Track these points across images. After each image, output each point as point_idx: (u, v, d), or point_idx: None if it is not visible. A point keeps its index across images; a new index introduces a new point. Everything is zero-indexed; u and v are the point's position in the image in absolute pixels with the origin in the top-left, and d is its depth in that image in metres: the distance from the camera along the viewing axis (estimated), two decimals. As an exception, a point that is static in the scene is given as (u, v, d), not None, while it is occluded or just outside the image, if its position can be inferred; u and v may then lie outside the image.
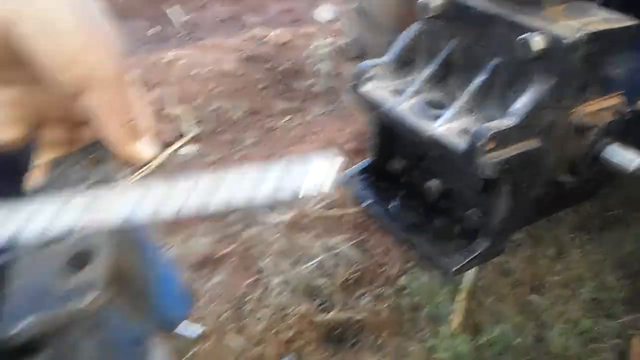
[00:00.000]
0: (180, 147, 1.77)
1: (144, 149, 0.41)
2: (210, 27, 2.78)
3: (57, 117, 0.41)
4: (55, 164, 0.41)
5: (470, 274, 1.31)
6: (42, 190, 0.38)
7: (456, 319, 1.21)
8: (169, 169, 1.69)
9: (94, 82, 0.38)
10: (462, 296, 1.25)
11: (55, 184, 0.39)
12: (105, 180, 0.38)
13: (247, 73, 2.14)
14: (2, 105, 0.39)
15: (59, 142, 0.43)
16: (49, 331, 0.27)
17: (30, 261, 0.31)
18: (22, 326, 0.26)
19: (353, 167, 0.89)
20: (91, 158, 0.41)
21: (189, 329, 1.19)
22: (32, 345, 0.28)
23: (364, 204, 0.82)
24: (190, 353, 1.16)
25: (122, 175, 0.40)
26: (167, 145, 1.77)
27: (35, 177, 0.40)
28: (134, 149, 0.40)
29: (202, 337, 1.19)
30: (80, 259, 0.30)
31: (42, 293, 0.28)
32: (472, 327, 1.20)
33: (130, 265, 0.34)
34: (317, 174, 0.34)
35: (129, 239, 0.35)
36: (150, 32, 2.72)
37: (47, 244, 0.32)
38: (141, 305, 0.37)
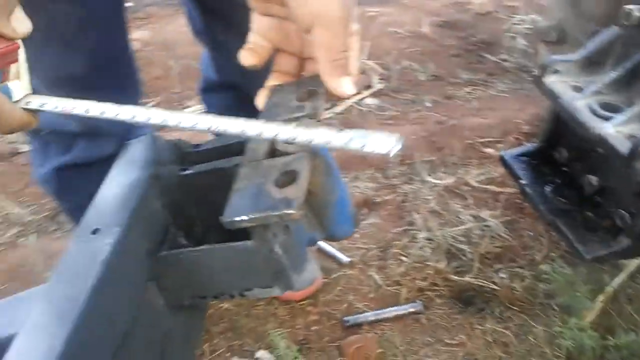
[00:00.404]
0: (364, 98, 1.90)
1: (346, 86, 0.47)
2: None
3: (293, 49, 0.51)
4: (278, 89, 0.51)
5: (618, 279, 1.28)
6: (262, 111, 0.50)
7: (590, 316, 1.21)
8: (350, 116, 1.84)
9: (321, 19, 0.45)
10: (603, 297, 1.24)
11: (272, 107, 0.49)
12: (312, 116, 0.47)
13: (441, 38, 2.18)
14: (259, 32, 0.50)
15: (286, 71, 0.52)
16: (260, 225, 0.40)
17: (252, 169, 0.44)
18: (243, 217, 0.40)
19: (519, 148, 0.94)
20: (306, 91, 0.49)
21: (340, 255, 1.36)
22: (247, 230, 0.41)
23: (521, 182, 0.88)
24: (337, 274, 1.32)
25: (324, 111, 0.48)
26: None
27: (261, 96, 0.50)
28: (338, 83, 0.46)
29: (348, 265, 1.35)
30: (287, 176, 0.42)
31: (258, 196, 0.41)
32: (605, 328, 1.19)
33: (319, 186, 0.47)
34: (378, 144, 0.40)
35: (323, 165, 0.47)
36: (360, -16, 2.85)
37: (265, 158, 0.45)
38: (320, 218, 0.50)
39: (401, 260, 1.36)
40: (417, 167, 1.61)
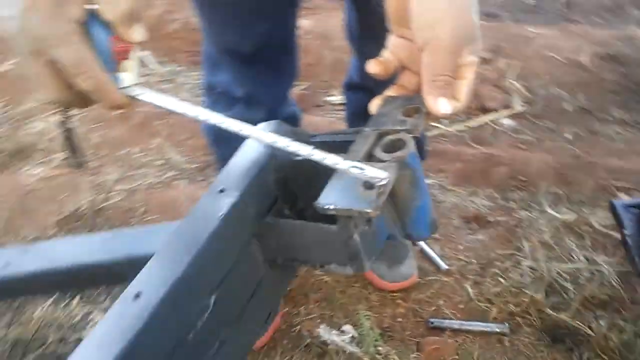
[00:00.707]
0: (501, 117, 1.89)
1: (442, 106, 0.52)
2: (589, 10, 2.68)
3: (415, 68, 0.56)
4: (390, 100, 0.57)
5: None
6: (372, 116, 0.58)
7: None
8: (482, 133, 1.84)
9: (430, 43, 0.51)
10: None
11: (380, 116, 0.56)
12: (410, 131, 0.52)
13: (600, 70, 2.08)
14: (390, 49, 0.58)
15: (406, 87, 0.59)
16: (344, 215, 0.49)
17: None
18: (331, 206, 0.49)
19: (632, 199, 0.92)
20: (413, 107, 0.54)
21: (440, 261, 1.41)
22: (333, 216, 0.51)
23: (624, 231, 0.87)
24: (432, 278, 1.38)
25: (425, 129, 0.55)
26: (488, 111, 1.91)
27: (374, 103, 0.57)
28: (434, 102, 0.51)
29: (445, 272, 1.39)
30: (369, 182, 0.50)
31: (347, 191, 0.50)
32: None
33: (403, 193, 0.54)
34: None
35: (409, 176, 0.55)
36: (530, 1, 2.77)
37: (362, 160, 0.53)
38: (402, 219, 0.57)
39: (499, 281, 1.37)
40: (540, 197, 1.59)
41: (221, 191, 0.55)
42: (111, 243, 0.64)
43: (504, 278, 1.38)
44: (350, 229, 0.52)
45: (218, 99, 1.14)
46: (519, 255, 1.43)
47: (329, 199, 0.50)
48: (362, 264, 0.54)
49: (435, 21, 0.51)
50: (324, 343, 1.24)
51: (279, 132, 0.61)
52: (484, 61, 2.14)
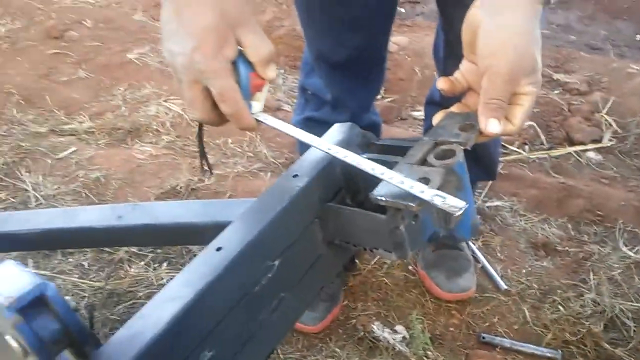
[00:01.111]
0: (587, 150, 1.86)
1: (492, 126, 0.59)
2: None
3: (478, 89, 0.63)
4: (451, 115, 0.66)
5: None
6: (431, 130, 0.66)
7: None
8: (564, 162, 1.83)
9: (489, 71, 0.58)
10: None
11: (439, 128, 0.64)
12: (462, 144, 0.60)
13: None
14: (461, 71, 0.65)
15: (468, 106, 0.66)
16: (393, 207, 0.58)
17: (404, 168, 0.60)
18: (382, 198, 0.57)
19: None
20: (469, 124, 0.62)
21: (500, 280, 1.43)
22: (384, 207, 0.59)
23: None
24: (490, 295, 1.41)
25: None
26: (574, 142, 1.89)
27: (438, 116, 0.65)
28: (485, 122, 0.59)
29: (504, 292, 1.42)
30: (423, 181, 0.58)
31: (400, 190, 0.58)
32: None
33: (449, 193, 0.62)
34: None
35: (455, 181, 0.62)
36: (638, 37, 2.67)
37: (416, 164, 0.61)
38: (446, 219, 0.65)
39: (558, 308, 1.38)
40: (615, 233, 1.56)
41: (294, 176, 0.66)
42: (202, 209, 0.76)
43: (563, 306, 1.38)
44: (397, 220, 0.60)
45: (309, 99, 1.27)
46: (582, 287, 1.43)
47: (382, 191, 0.59)
48: (405, 252, 0.62)
49: (496, 51, 0.58)
50: (376, 339, 1.31)
51: (350, 134, 0.70)
52: (578, 92, 2.11)
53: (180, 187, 1.71)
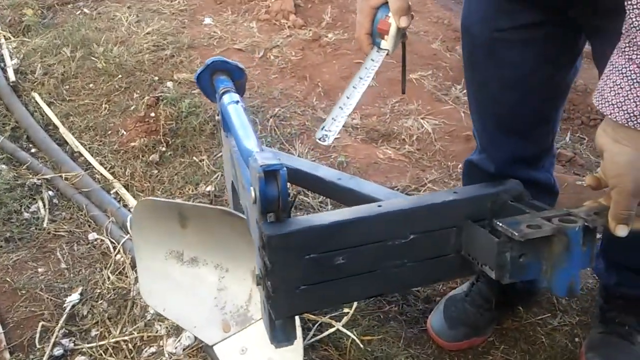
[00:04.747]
0: None
1: (620, 231, 0.71)
2: None
3: None
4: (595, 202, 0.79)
5: None
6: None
7: None
8: None
9: (616, 187, 0.71)
10: None
11: (582, 207, 0.77)
12: (587, 222, 0.72)
13: None
14: (602, 171, 0.76)
15: (610, 196, 0.75)
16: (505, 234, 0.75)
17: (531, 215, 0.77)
18: (500, 224, 0.74)
19: None
20: (599, 212, 0.74)
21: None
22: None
23: None
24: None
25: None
26: None
27: (587, 203, 0.78)
28: (614, 227, 0.72)
29: None
30: (533, 228, 0.73)
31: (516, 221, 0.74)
32: None
33: (557, 253, 0.74)
34: None
35: (565, 242, 0.72)
36: None
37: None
38: (549, 272, 0.77)
39: None
40: None
41: (455, 192, 0.87)
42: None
43: None
44: (505, 246, 0.76)
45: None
46: None
47: (504, 221, 0.76)
48: (503, 276, 0.77)
49: (619, 173, 0.71)
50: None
51: (500, 189, 0.88)
52: None
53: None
